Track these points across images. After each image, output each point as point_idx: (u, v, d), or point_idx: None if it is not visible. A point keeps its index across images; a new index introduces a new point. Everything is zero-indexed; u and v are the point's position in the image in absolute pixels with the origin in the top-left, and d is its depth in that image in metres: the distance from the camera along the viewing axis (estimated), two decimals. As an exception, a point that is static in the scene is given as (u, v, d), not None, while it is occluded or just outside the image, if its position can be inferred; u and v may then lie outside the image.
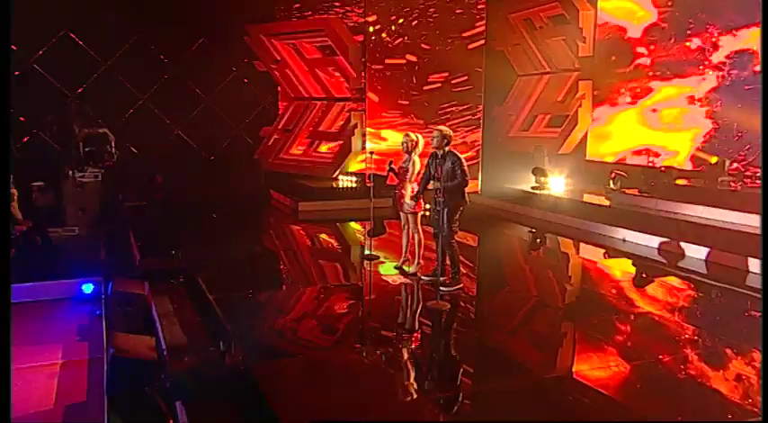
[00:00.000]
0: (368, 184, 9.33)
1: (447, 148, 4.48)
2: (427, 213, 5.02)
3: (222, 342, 3.42)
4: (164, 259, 5.51)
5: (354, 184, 10.13)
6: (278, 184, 10.02)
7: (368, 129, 10.01)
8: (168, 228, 7.27)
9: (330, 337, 3.96)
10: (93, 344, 3.78)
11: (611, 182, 7.10)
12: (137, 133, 9.88)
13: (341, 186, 10.31)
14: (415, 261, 5.06)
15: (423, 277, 4.88)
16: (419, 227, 5.02)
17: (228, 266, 5.49)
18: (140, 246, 5.76)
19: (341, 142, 10.49)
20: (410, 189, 4.89)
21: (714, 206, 5.63)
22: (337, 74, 10.33)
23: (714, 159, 6.21)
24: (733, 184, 5.92)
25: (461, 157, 4.53)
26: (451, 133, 4.66)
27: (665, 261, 5.42)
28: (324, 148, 10.89)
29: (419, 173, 4.82)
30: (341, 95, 10.45)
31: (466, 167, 4.46)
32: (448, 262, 4.62)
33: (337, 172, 10.41)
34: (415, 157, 4.87)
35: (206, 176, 10.33)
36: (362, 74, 9.89)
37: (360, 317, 4.46)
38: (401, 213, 5.10)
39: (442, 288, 4.36)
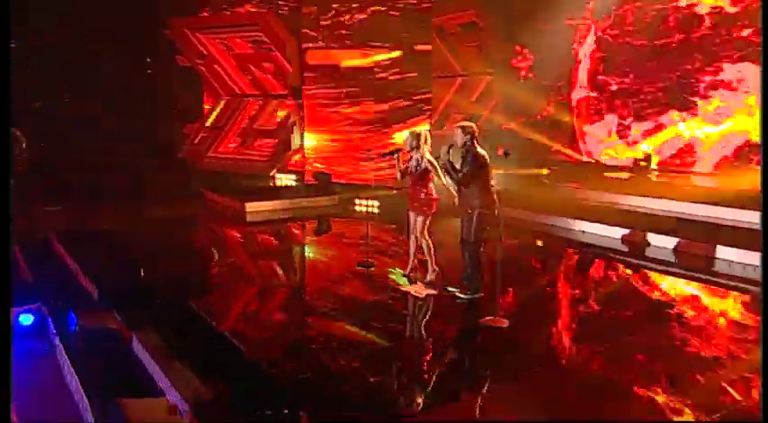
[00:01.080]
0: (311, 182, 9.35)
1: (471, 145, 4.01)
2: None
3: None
4: (127, 281, 4.79)
5: (294, 182, 9.94)
6: (204, 184, 9.46)
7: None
8: (100, 235, 6.53)
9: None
10: (57, 403, 3.01)
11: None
12: (49, 134, 8.82)
13: (279, 185, 10.07)
14: (430, 269, 4.52)
15: (448, 288, 4.29)
16: (426, 231, 4.48)
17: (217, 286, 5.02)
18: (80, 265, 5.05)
19: (278, 139, 10.22)
20: (434, 190, 4.36)
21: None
22: (272, 69, 10.04)
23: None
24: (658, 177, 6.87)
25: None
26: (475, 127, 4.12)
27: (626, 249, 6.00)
28: (259, 145, 10.54)
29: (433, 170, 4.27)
30: (276, 92, 10.15)
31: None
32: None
33: (274, 170, 10.15)
34: (428, 155, 4.30)
35: (127, 179, 9.49)
36: (299, 70, 9.69)
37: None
38: (411, 214, 4.51)
39: (460, 296, 4.12)
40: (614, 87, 8.53)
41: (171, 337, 3.55)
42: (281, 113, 10.10)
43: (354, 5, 8.84)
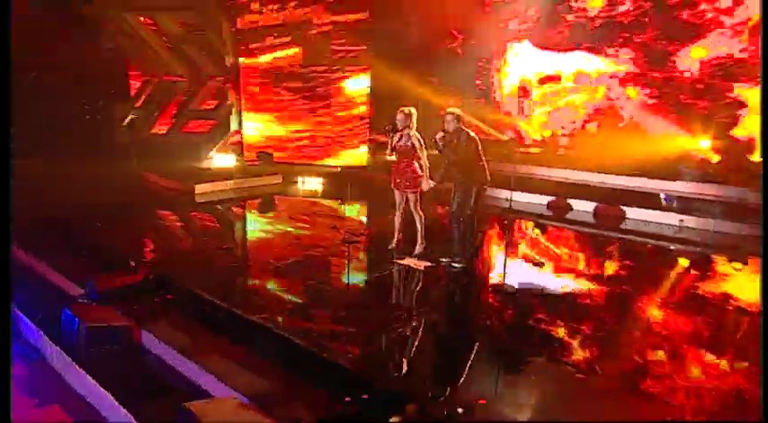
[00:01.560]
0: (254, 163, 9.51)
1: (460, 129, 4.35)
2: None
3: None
4: (124, 273, 4.43)
5: (234, 163, 10.08)
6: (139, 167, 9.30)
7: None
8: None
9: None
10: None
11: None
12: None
13: (216, 166, 10.13)
14: (419, 242, 4.82)
15: (442, 260, 4.60)
16: (419, 206, 4.76)
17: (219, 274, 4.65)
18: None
19: (215, 121, 10.29)
20: (419, 166, 4.63)
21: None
22: (206, 52, 10.01)
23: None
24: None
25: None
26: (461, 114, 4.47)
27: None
28: (194, 125, 10.52)
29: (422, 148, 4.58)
30: (211, 74, 10.16)
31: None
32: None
33: (213, 151, 10.23)
34: (415, 132, 4.60)
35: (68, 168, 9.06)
36: (235, 53, 9.79)
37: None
38: (397, 191, 4.82)
39: (455, 265, 4.47)
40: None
41: (189, 330, 3.60)
42: (219, 95, 10.18)
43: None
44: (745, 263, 5.11)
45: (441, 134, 4.39)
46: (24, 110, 9.07)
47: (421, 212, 4.80)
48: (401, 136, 4.63)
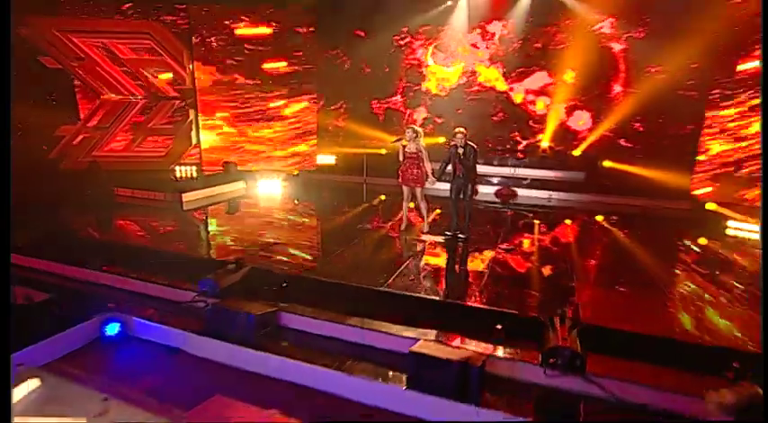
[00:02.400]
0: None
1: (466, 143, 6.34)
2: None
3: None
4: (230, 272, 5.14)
5: (196, 173, 11.31)
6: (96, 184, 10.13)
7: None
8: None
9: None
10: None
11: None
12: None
13: (179, 176, 11.26)
14: (426, 222, 6.90)
15: (447, 233, 6.70)
16: (424, 197, 6.76)
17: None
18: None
19: (173, 136, 11.40)
20: (427, 168, 6.52)
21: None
22: (163, 74, 11.09)
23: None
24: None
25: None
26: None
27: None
28: (152, 142, 11.47)
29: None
30: (169, 95, 11.25)
31: None
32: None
33: (173, 164, 11.35)
34: (421, 142, 6.54)
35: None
36: (193, 75, 11.06)
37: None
38: (405, 187, 6.75)
39: (461, 236, 6.62)
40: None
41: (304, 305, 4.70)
42: (177, 113, 11.32)
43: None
44: (574, 219, 8.44)
45: (460, 149, 6.33)
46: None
47: (427, 202, 6.84)
48: (408, 145, 6.56)
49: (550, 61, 10.49)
